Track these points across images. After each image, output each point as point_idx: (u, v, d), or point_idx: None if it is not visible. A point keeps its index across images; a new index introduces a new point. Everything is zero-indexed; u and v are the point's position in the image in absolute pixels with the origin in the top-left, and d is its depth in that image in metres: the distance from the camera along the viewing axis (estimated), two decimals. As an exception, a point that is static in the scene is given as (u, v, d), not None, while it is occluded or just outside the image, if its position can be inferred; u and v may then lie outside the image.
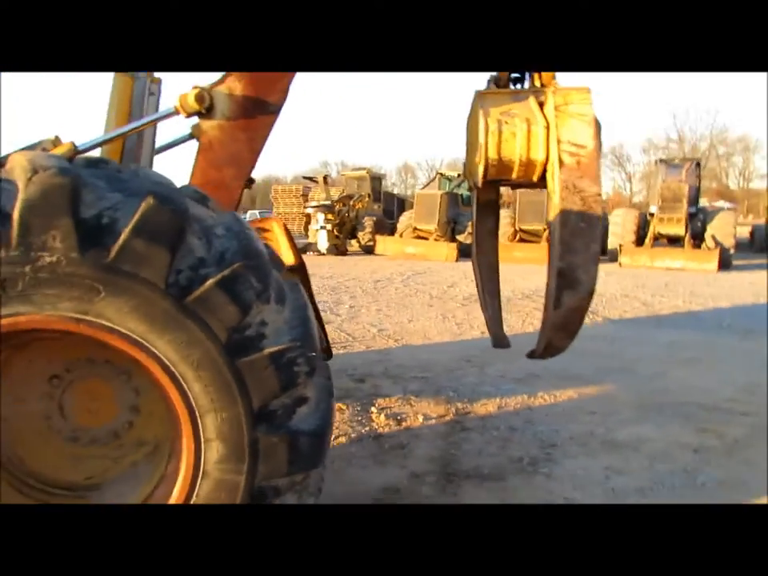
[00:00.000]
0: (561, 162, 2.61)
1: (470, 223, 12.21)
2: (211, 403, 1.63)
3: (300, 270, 2.56)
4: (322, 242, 18.41)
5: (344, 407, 4.34)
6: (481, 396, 4.67)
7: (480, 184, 3.08)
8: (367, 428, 3.98)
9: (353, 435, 3.85)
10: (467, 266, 9.38)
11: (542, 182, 2.92)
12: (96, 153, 2.42)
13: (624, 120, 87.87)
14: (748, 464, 3.51)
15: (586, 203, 2.59)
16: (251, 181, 2.73)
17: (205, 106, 2.35)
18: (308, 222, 20.08)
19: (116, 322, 1.54)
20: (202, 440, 1.66)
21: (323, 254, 18.29)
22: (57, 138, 2.32)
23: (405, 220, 19.20)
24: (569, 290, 2.65)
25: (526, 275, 12.41)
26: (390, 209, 23.40)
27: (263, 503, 1.75)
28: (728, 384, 5.09)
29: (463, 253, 16.09)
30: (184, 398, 1.62)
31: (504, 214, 18.76)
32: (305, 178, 26.62)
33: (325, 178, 19.13)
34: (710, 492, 3.14)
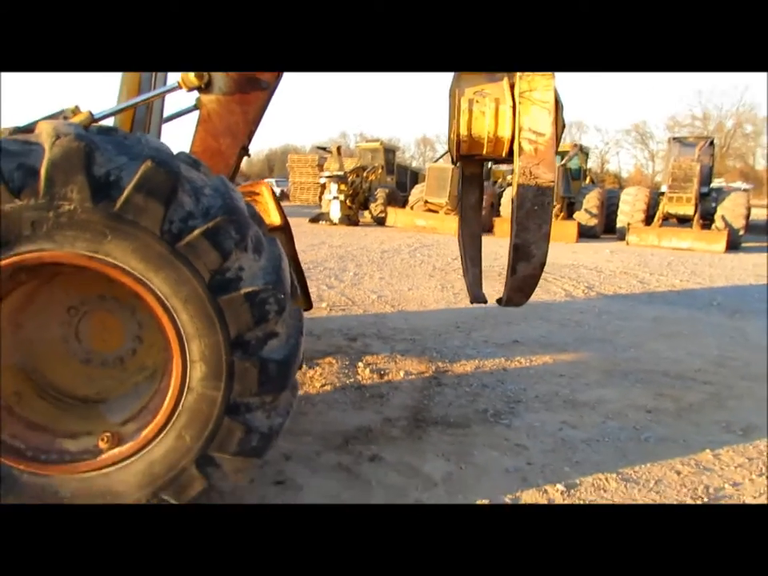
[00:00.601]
0: (520, 149, 2.91)
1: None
2: (196, 331, 2.01)
3: (285, 229, 2.92)
4: (335, 211, 18.71)
5: (334, 361, 4.74)
6: (461, 357, 5.04)
7: (455, 158, 3.41)
8: (352, 379, 4.37)
9: (338, 385, 4.24)
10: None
11: (512, 159, 3.22)
12: (109, 121, 2.77)
13: (649, 96, 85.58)
14: (695, 425, 3.84)
15: (540, 188, 2.90)
16: (246, 150, 3.07)
17: (204, 82, 2.68)
18: (323, 192, 20.33)
19: (120, 260, 1.91)
20: (188, 361, 2.04)
21: (335, 224, 18.62)
22: (76, 107, 2.67)
23: (416, 193, 19.32)
24: (523, 262, 3.01)
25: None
26: (402, 181, 23.59)
27: (238, 419, 2.14)
28: (699, 357, 5.38)
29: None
30: (174, 326, 2.01)
31: (509, 192, 18.86)
32: (318, 148, 26.76)
33: (338, 148, 19.27)
34: (650, 446, 3.49)
